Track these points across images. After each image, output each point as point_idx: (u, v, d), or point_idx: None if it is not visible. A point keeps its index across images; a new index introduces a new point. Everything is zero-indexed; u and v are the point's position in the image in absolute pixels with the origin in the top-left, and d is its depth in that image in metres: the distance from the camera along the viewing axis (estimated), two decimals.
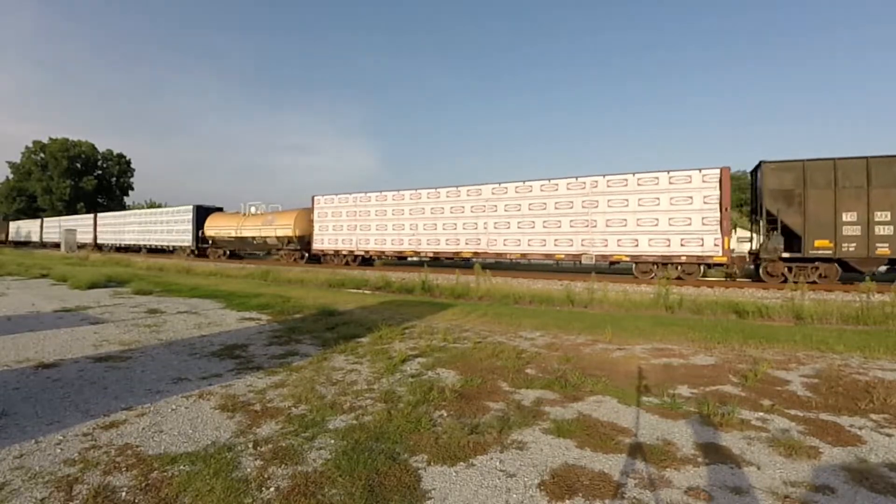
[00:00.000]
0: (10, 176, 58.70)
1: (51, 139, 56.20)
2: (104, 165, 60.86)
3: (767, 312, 7.52)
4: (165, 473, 2.44)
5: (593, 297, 9.24)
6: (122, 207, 61.59)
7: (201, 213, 28.18)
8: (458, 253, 18.11)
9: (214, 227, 26.99)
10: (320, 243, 22.34)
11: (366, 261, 21.68)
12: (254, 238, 24.84)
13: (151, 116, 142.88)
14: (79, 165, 57.14)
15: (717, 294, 10.58)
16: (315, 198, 22.60)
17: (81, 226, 38.80)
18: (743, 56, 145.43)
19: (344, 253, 21.62)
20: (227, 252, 27.17)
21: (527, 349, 5.34)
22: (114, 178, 61.69)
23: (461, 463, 2.59)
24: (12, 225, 52.20)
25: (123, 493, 2.26)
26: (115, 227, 35.64)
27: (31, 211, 57.89)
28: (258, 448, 2.75)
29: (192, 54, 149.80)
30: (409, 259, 20.76)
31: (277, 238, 23.95)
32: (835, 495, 2.26)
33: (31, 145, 56.53)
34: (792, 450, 2.73)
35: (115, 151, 61.60)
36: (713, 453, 2.72)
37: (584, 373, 4.32)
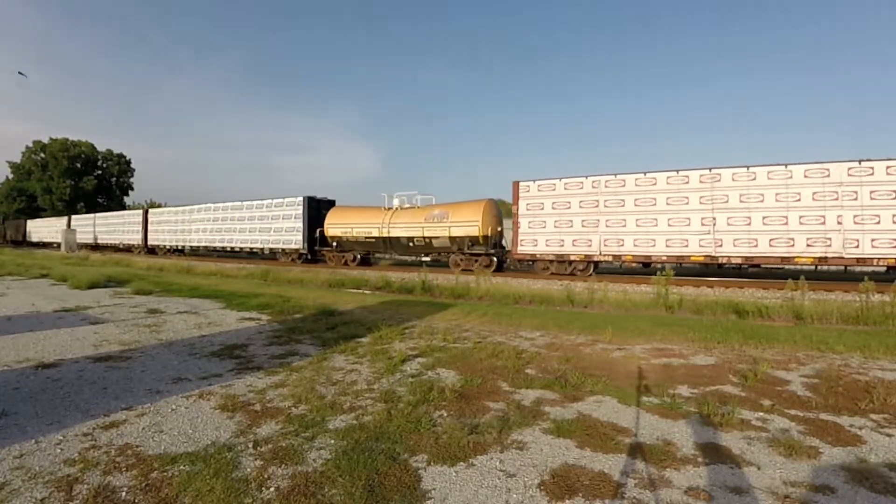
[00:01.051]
0: (10, 176, 58.73)
1: (51, 139, 56.20)
2: (104, 165, 60.86)
3: (767, 312, 7.52)
4: (165, 473, 2.44)
5: (593, 297, 9.24)
6: (122, 207, 61.57)
7: (314, 207, 22.14)
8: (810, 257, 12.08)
9: (340, 225, 20.59)
10: (531, 245, 15.88)
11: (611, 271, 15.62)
12: (411, 239, 18.71)
13: (151, 116, 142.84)
14: (79, 165, 57.14)
15: (717, 294, 10.58)
16: (520, 184, 16.35)
17: (124, 224, 34.17)
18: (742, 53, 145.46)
19: (574, 259, 15.16)
20: (358, 257, 20.72)
21: (527, 349, 5.34)
22: (114, 178, 61.70)
23: (461, 463, 2.59)
24: (30, 224, 48.28)
25: (123, 493, 2.26)
26: (173, 224, 29.87)
27: (31, 211, 57.90)
28: (258, 448, 2.75)
29: (192, 54, 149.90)
30: (692, 265, 14.16)
31: (452, 239, 17.61)
32: (835, 495, 2.26)
33: (31, 145, 56.54)
34: (792, 450, 2.73)
35: (115, 151, 61.66)
36: (713, 453, 2.72)
37: (584, 373, 4.32)
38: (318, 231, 21.57)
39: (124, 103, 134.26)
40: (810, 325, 6.95)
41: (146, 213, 32.89)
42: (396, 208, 19.87)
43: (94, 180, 58.08)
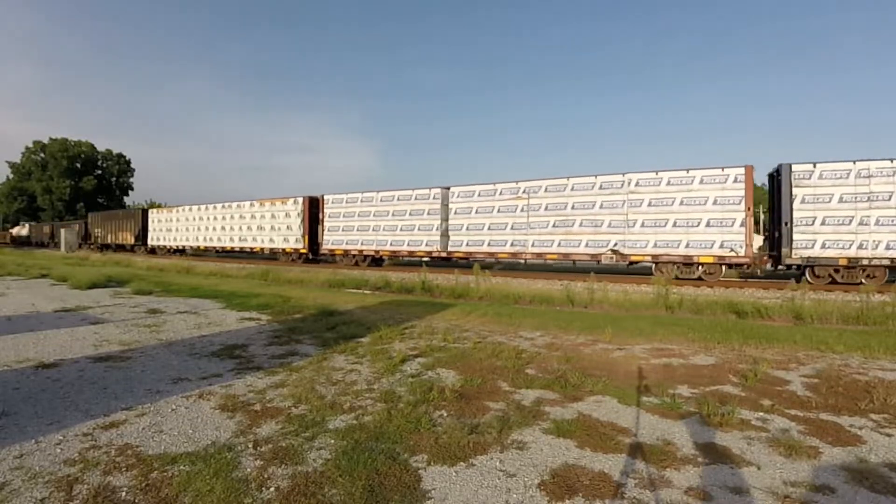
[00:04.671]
0: (10, 176, 58.74)
1: (51, 139, 56.30)
2: (104, 165, 60.94)
3: (767, 312, 7.52)
4: (165, 473, 2.44)
5: (593, 297, 9.24)
6: (122, 207, 61.64)
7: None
8: None
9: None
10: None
11: None
12: None
13: (151, 116, 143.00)
14: (78, 165, 57.22)
15: (717, 294, 10.58)
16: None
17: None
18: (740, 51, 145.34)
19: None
20: None
21: (527, 349, 5.34)
22: (114, 178, 61.78)
23: (461, 463, 2.59)
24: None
25: (123, 493, 2.26)
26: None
27: (31, 211, 57.93)
28: (258, 448, 2.75)
29: (192, 54, 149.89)
30: None
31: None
32: (835, 495, 2.26)
33: (31, 145, 56.66)
34: (792, 450, 2.73)
35: (115, 151, 61.70)
36: (713, 453, 2.72)
37: (584, 373, 4.32)
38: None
39: (124, 103, 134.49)
40: (810, 325, 6.95)
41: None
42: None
43: (94, 180, 58.15)
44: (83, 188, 56.56)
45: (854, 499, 2.23)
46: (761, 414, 3.36)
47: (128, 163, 63.00)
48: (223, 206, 27.03)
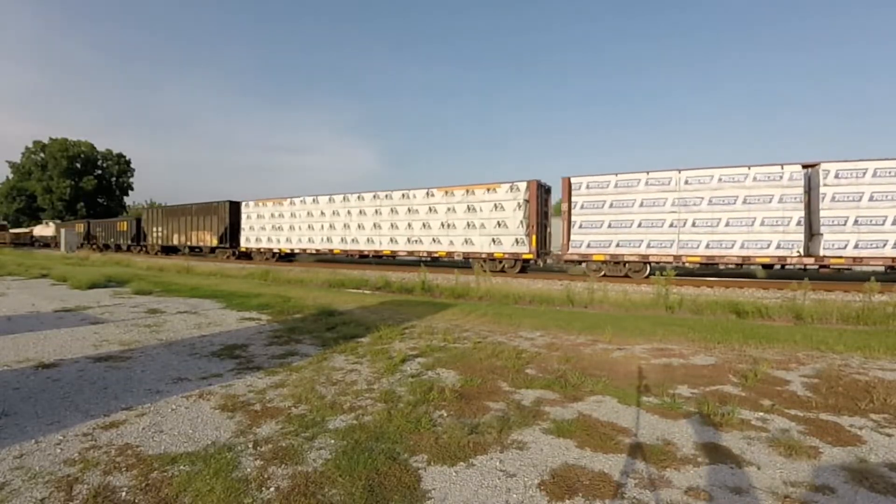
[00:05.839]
0: (10, 176, 58.73)
1: (51, 139, 56.28)
2: (104, 165, 60.94)
3: (767, 312, 7.52)
4: (165, 473, 2.44)
5: (593, 297, 9.24)
6: (122, 207, 61.67)
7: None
8: None
9: None
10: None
11: None
12: None
13: (151, 116, 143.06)
14: (78, 165, 57.21)
15: (717, 294, 10.58)
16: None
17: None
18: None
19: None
20: None
21: (527, 349, 5.34)
22: (113, 178, 61.77)
23: (461, 463, 2.59)
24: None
25: (123, 493, 2.26)
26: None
27: (31, 211, 57.93)
28: (258, 448, 2.75)
29: (192, 54, 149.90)
30: None
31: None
32: (835, 495, 2.26)
33: (31, 145, 56.64)
34: (792, 450, 2.73)
35: (115, 151, 61.68)
36: (713, 453, 2.72)
37: (584, 373, 4.32)
38: None
39: (124, 103, 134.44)
40: (810, 325, 6.95)
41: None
42: None
43: (94, 180, 58.14)
44: (83, 188, 56.56)
45: (854, 499, 2.23)
46: (761, 414, 3.36)
47: (128, 163, 63.01)
48: (375, 198, 20.20)
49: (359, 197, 20.91)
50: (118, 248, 35.35)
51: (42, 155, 55.98)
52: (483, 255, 17.00)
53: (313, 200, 22.47)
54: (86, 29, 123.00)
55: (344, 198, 21.36)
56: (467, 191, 17.76)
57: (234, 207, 25.95)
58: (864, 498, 2.24)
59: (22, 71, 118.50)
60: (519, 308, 8.76)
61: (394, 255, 19.92)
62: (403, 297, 10.33)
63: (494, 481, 2.40)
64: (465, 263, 19.06)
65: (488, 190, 17.23)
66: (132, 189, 64.10)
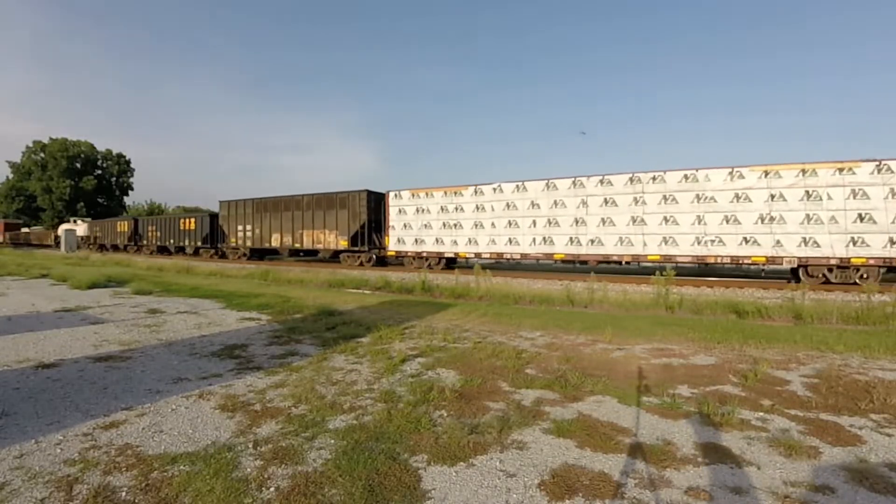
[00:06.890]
0: (10, 176, 58.69)
1: (51, 139, 56.20)
2: (104, 165, 60.86)
3: (767, 312, 7.52)
4: (165, 473, 2.44)
5: (593, 297, 9.24)
6: (122, 207, 61.66)
7: None
8: None
9: None
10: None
11: None
12: None
13: (151, 116, 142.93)
14: (78, 165, 57.14)
15: (717, 294, 10.58)
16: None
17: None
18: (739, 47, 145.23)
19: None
20: None
21: (527, 349, 5.34)
22: (113, 178, 61.69)
23: (461, 463, 2.59)
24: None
25: (123, 493, 2.26)
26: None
27: (31, 211, 57.89)
28: (258, 448, 2.75)
29: (192, 54, 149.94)
30: None
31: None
32: (835, 495, 2.26)
33: (31, 145, 56.53)
34: (792, 450, 2.73)
35: (115, 151, 61.65)
36: (713, 453, 2.72)
37: (584, 373, 4.32)
38: None
39: (124, 103, 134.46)
40: (810, 325, 6.95)
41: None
42: None
43: (94, 180, 58.06)
44: (83, 188, 56.48)
45: (854, 499, 2.23)
46: (761, 414, 3.36)
47: (128, 163, 62.93)
48: (633, 181, 14.34)
49: (601, 181, 14.82)
50: (139, 250, 32.48)
51: (42, 155, 55.90)
52: (833, 261, 11.95)
53: (516, 188, 16.39)
54: (86, 29, 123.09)
55: (574, 182, 15.24)
56: (803, 171, 12.28)
57: (376, 199, 20.19)
58: (864, 498, 2.24)
59: (22, 71, 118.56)
60: (519, 308, 8.76)
61: (669, 260, 13.55)
62: (403, 297, 10.32)
63: (494, 481, 2.40)
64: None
65: (843, 170, 11.83)
66: (132, 189, 64.03)
